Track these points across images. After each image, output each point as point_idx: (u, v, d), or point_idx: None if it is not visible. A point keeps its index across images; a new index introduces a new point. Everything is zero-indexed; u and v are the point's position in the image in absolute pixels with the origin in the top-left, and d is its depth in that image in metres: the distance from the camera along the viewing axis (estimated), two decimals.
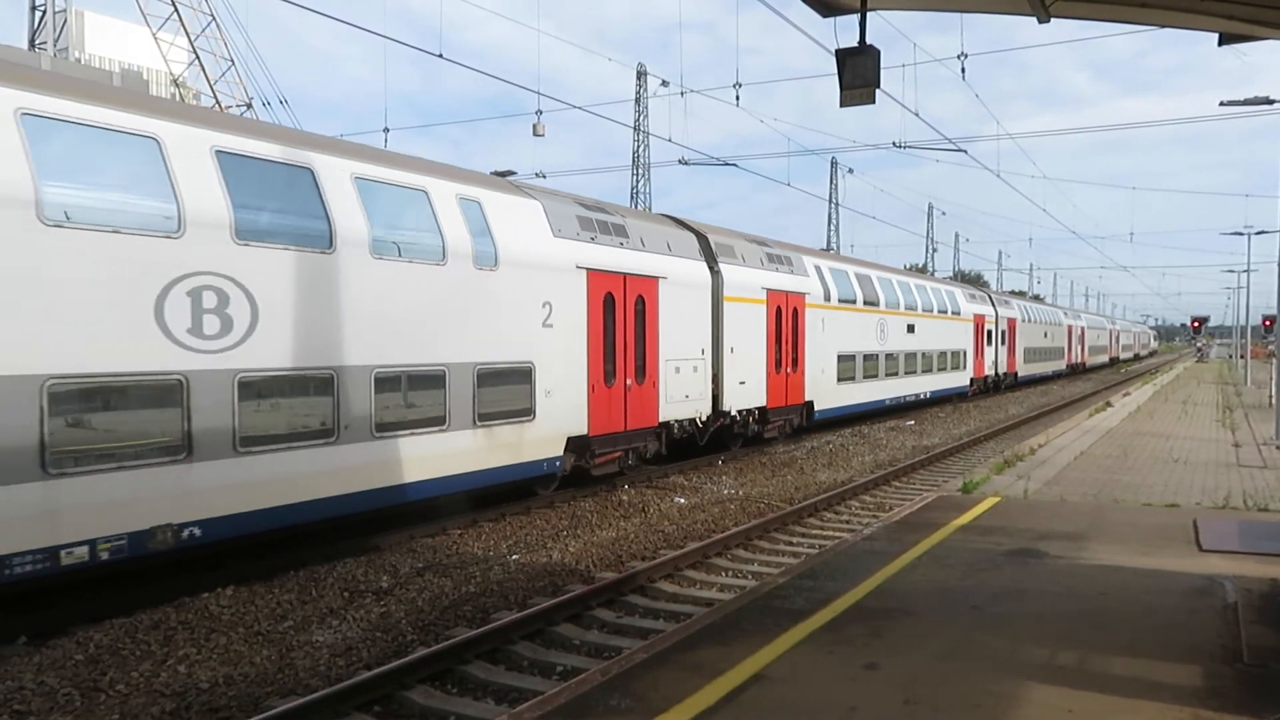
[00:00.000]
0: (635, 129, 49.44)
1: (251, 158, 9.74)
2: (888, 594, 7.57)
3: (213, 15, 28.31)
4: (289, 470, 9.83)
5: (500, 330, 12.64)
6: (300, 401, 10.03)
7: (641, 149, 49.97)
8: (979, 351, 36.53)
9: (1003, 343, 40.64)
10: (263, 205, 9.73)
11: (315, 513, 10.18)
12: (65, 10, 28.03)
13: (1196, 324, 69.84)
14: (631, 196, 49.76)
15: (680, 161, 30.74)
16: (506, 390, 12.79)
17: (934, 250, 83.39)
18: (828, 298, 22.96)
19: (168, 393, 8.75)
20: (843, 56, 7.43)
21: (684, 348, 16.89)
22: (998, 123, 29.79)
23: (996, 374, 39.95)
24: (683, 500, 14.86)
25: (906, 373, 28.42)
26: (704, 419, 17.79)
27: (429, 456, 11.54)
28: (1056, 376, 55.08)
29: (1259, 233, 41.87)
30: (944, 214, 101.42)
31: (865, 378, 25.36)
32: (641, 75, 49.09)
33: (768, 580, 8.20)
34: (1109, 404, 32.10)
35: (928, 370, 30.20)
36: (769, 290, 19.90)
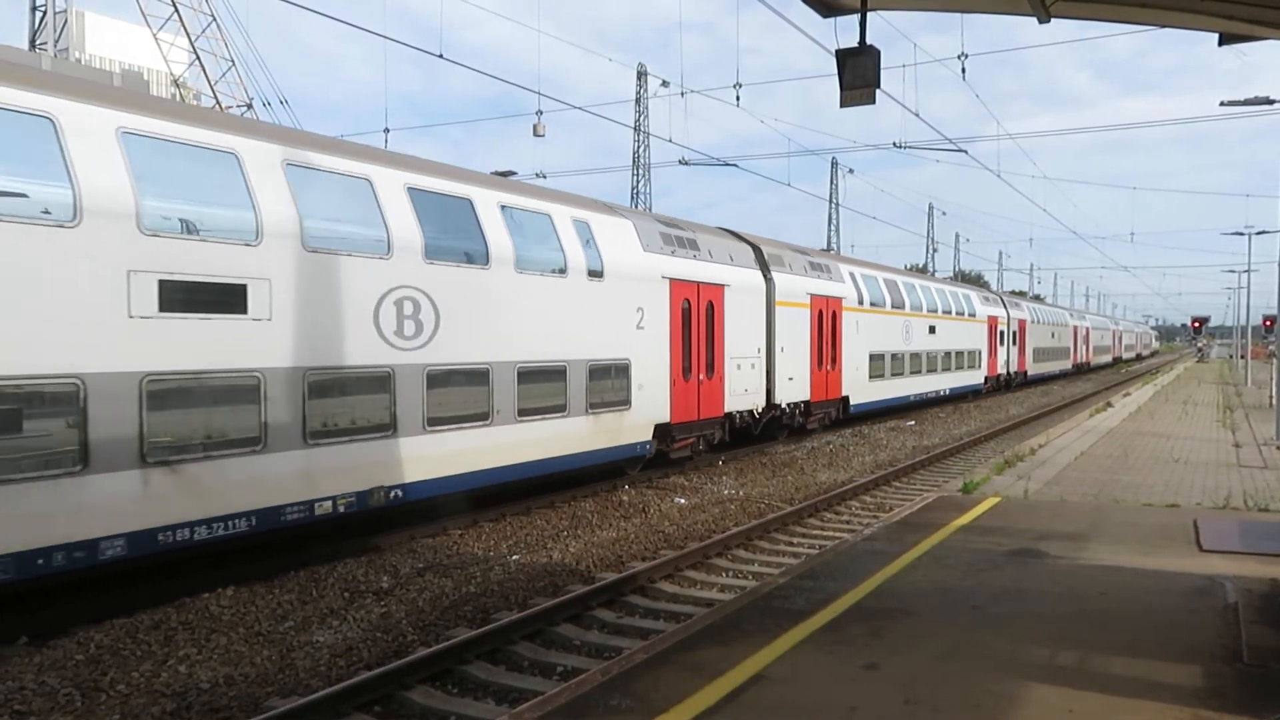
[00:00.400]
0: (635, 129, 49.45)
1: (432, 192, 11.97)
2: (888, 594, 7.57)
3: (213, 16, 28.32)
4: (458, 447, 12.04)
5: (605, 332, 14.81)
6: (466, 390, 12.20)
7: (642, 149, 49.98)
8: (992, 351, 38.52)
9: (1014, 343, 42.51)
10: (440, 231, 11.91)
11: (475, 482, 12.37)
12: (66, 10, 28.04)
13: (1197, 324, 69.82)
14: (632, 196, 49.77)
15: (680, 162, 30.77)
16: (609, 383, 14.92)
17: (934, 250, 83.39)
18: (860, 301, 25.05)
19: (381, 382, 10.96)
20: (843, 57, 7.43)
21: (744, 347, 18.98)
22: (998, 123, 29.79)
23: (1008, 372, 41.78)
24: (683, 500, 14.86)
25: (928, 371, 30.37)
26: (759, 411, 19.88)
27: (554, 437, 13.70)
28: (1063, 375, 56.80)
29: (1259, 233, 41.88)
30: (944, 214, 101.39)
31: (893, 375, 27.43)
32: (642, 75, 49.10)
33: (768, 580, 8.20)
34: (1109, 404, 32.09)
35: (947, 369, 32.17)
36: (812, 295, 22.12)
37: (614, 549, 11.63)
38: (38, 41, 27.49)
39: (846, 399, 24.18)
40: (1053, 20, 7.31)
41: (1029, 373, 46.02)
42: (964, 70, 19.14)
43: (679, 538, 12.32)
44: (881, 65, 7.40)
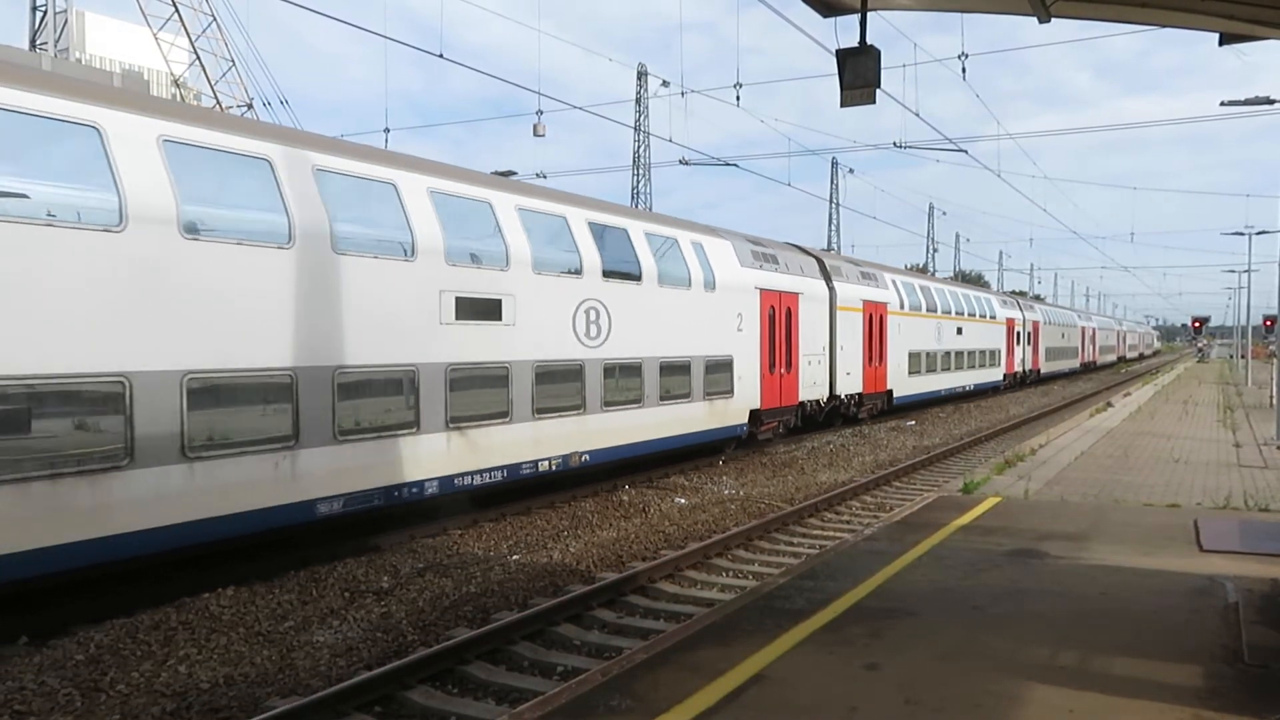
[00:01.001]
0: (636, 129, 49.44)
1: (605, 225, 15.44)
2: (888, 594, 7.56)
3: (213, 16, 28.30)
4: (622, 424, 15.35)
5: (716, 334, 18.07)
6: (627, 379, 15.60)
7: (642, 149, 49.97)
8: (1010, 350, 42.17)
9: (1029, 343, 46.21)
10: (610, 255, 15.35)
11: (631, 453, 15.72)
12: (66, 10, 28.03)
13: (1197, 324, 69.82)
14: (632, 196, 49.77)
15: (681, 162, 30.75)
16: (718, 376, 18.16)
17: (934, 250, 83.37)
18: (901, 306, 28.41)
19: (576, 372, 14.38)
20: (843, 57, 7.42)
21: (813, 346, 22.45)
22: (998, 123, 29.80)
23: (1023, 370, 45.52)
24: (683, 500, 14.86)
25: (956, 368, 34.00)
26: (824, 400, 23.40)
27: (683, 419, 17.00)
28: (1072, 373, 60.47)
29: (1259, 233, 41.86)
30: (944, 214, 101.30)
31: (927, 371, 30.96)
32: (642, 76, 49.09)
33: (768, 580, 8.19)
34: (1109, 404, 32.08)
35: (972, 366, 35.86)
36: (864, 301, 25.58)
37: (614, 549, 11.63)
38: (38, 41, 27.49)
39: (890, 392, 27.59)
40: (1053, 20, 7.30)
41: (1042, 371, 49.43)
42: (964, 70, 19.14)
43: (679, 538, 12.31)
44: (882, 65, 7.40)
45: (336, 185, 10.79)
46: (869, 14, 7.45)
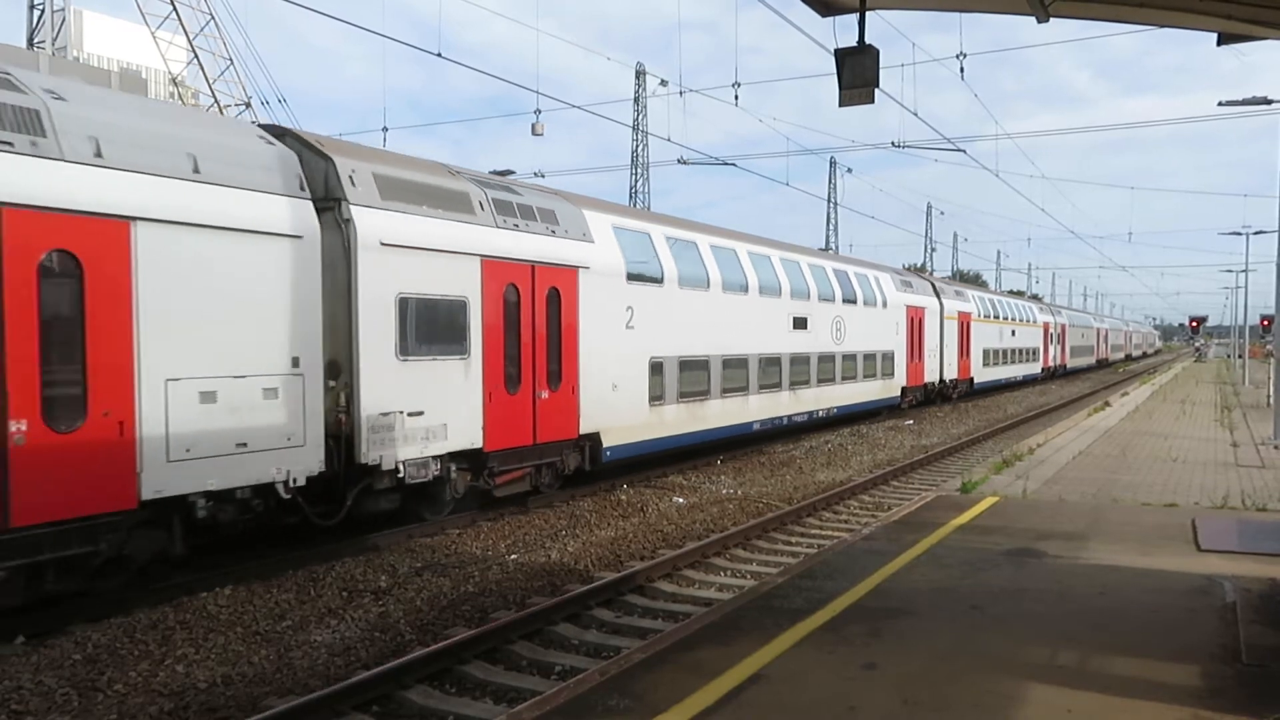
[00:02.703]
0: (634, 128, 49.43)
1: (849, 271, 25.54)
2: (887, 594, 7.56)
3: (211, 14, 28.27)
4: (845, 392, 24.58)
5: (885, 336, 27.34)
6: (850, 363, 24.79)
7: (640, 148, 49.96)
8: (1046, 349, 52.33)
9: (1058, 342, 56.54)
10: (846, 289, 24.68)
11: (846, 411, 24.79)
12: (64, 9, 27.98)
13: (1195, 324, 69.87)
14: (630, 196, 49.76)
15: (679, 161, 30.75)
16: (887, 364, 27.51)
17: (933, 250, 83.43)
18: (978, 315, 37.83)
19: (831, 358, 23.56)
20: (842, 56, 7.42)
21: (932, 344, 31.88)
22: (996, 123, 30.10)
23: (1054, 365, 55.77)
24: (681, 500, 14.86)
25: (1010, 362, 43.51)
26: (935, 384, 32.65)
27: (870, 390, 26.40)
28: (1089, 368, 70.47)
29: (1257, 233, 41.89)
30: (943, 214, 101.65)
31: (993, 364, 40.35)
32: (640, 75, 49.07)
33: (767, 580, 8.19)
34: (1107, 404, 32.11)
35: (1020, 361, 45.45)
36: (959, 311, 35.22)
37: (612, 548, 11.62)
38: (35, 40, 27.44)
39: (973, 379, 37.00)
40: (1052, 20, 7.30)
41: (1067, 365, 59.48)
42: (962, 70, 19.15)
43: (677, 537, 12.31)
44: (880, 65, 7.40)
45: (679, 248, 17.69)
46: (868, 13, 7.44)
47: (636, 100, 49.14)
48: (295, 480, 9.97)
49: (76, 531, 8.20)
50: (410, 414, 11.41)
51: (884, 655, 6.10)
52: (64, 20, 28.01)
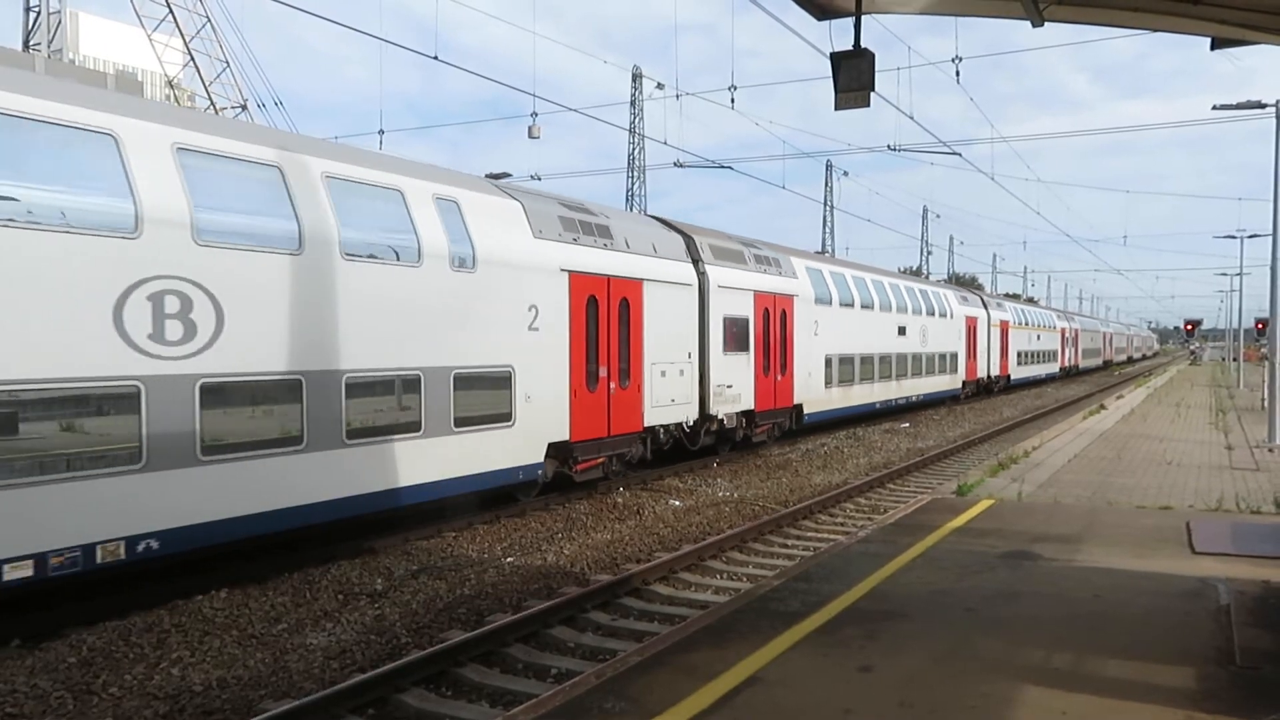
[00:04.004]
0: (630, 131, 49.46)
1: (926, 289, 33.73)
2: (882, 596, 7.57)
3: (208, 17, 28.25)
4: (922, 383, 30.97)
5: (951, 340, 33.49)
6: (935, 361, 32.02)
7: (637, 151, 49.99)
8: (1063, 350, 61.21)
9: (1072, 345, 65.25)
10: (930, 304, 32.30)
11: (927, 400, 31.98)
12: (60, 11, 27.95)
13: (1190, 327, 69.99)
14: (627, 199, 49.79)
15: (675, 164, 30.76)
16: (952, 361, 33.82)
17: (929, 253, 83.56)
18: (1015, 323, 45.54)
19: (920, 359, 30.98)
20: (838, 60, 7.45)
21: (982, 346, 37.80)
22: (992, 126, 30.13)
23: (1069, 365, 64.14)
24: (677, 503, 14.86)
25: (1037, 362, 51.19)
26: (985, 378, 39.03)
27: (940, 383, 32.65)
28: (1096, 368, 79.66)
29: (1252, 236, 42.01)
30: (939, 217, 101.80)
31: (1025, 363, 47.99)
32: (637, 78, 49.12)
33: (763, 583, 8.20)
34: (1103, 407, 32.17)
35: (1043, 362, 53.32)
36: (1001, 320, 42.64)
37: (609, 551, 11.62)
38: (31, 42, 27.40)
39: (1009, 375, 44.64)
40: (1047, 24, 7.33)
41: (1080, 365, 67.72)
42: (958, 73, 19.19)
43: (673, 540, 12.31)
44: (876, 68, 7.42)
45: (835, 278, 24.71)
46: (863, 17, 7.47)
47: (633, 103, 49.20)
48: (689, 422, 17.85)
49: (636, 436, 16.33)
50: (727, 386, 18.89)
51: (880, 658, 6.11)
52: (60, 22, 27.97)
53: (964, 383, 37.43)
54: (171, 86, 29.28)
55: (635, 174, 49.99)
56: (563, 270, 14.14)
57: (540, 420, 13.59)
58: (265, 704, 6.89)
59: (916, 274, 69.20)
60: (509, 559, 11.09)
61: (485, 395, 12.57)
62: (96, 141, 8.49)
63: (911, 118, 19.10)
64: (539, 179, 34.81)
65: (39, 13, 27.40)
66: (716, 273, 18.46)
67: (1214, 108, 20.53)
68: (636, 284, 16.04)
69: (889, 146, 24.84)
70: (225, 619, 8.68)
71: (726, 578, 10.77)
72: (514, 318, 13.08)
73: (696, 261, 18.07)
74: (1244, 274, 47.08)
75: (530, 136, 36.27)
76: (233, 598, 9.26)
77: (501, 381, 12.85)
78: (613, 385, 15.41)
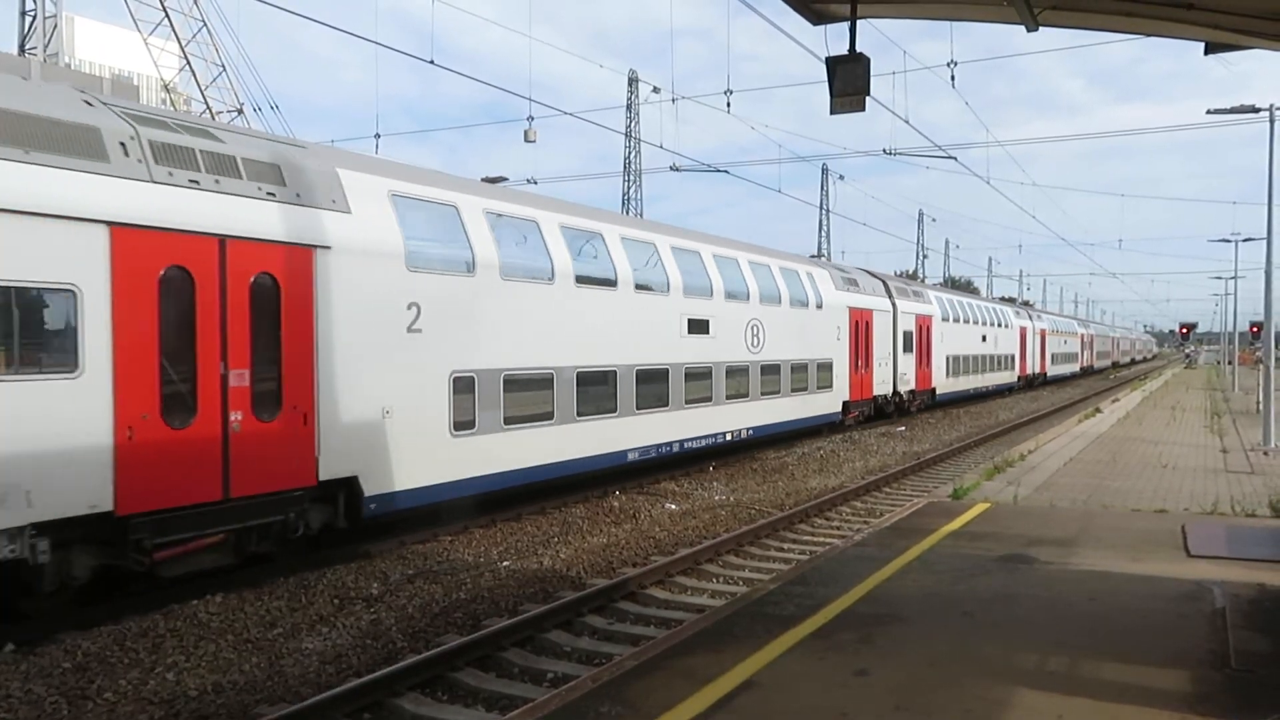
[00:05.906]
0: (627, 135, 49.52)
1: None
2: (879, 600, 7.58)
3: (204, 20, 28.25)
4: (974, 379, 39.36)
5: (1010, 345, 45.59)
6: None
7: (633, 155, 50.06)
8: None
9: (1089, 348, 75.74)
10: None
11: (979, 390, 40.17)
12: (55, 15, 27.92)
13: (1185, 330, 70.13)
14: (623, 202, 49.82)
15: (672, 168, 30.80)
16: (1007, 360, 44.99)
17: (924, 257, 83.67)
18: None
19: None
20: (833, 64, 7.47)
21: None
22: (988, 130, 30.26)
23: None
24: (674, 506, 14.86)
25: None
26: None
27: (1000, 378, 43.45)
28: (1104, 369, 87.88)
29: (1246, 240, 42.11)
30: (934, 220, 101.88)
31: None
32: (633, 82, 49.19)
33: (759, 586, 8.20)
34: (1098, 410, 32.23)
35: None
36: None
37: (605, 555, 11.62)
38: (27, 46, 27.37)
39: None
40: (1042, 29, 7.36)
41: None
42: (953, 77, 19.23)
43: (670, 544, 12.31)
44: (872, 72, 7.45)
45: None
46: (858, 22, 7.49)
47: (629, 107, 49.26)
48: (889, 394, 29.00)
49: (869, 401, 28.15)
50: (904, 374, 29.67)
51: (876, 661, 6.12)
52: (56, 26, 27.93)
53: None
54: (168, 90, 29.28)
55: (631, 178, 50.06)
56: (846, 307, 25.77)
57: (840, 388, 24.97)
58: (260, 709, 6.87)
59: (912, 277, 69.40)
60: (505, 563, 11.08)
61: (802, 376, 22.50)
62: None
63: (907, 122, 19.16)
64: (535, 183, 34.82)
65: (34, 16, 27.36)
66: (901, 304, 30.56)
67: (1209, 112, 20.60)
68: (869, 313, 27.35)
69: (885, 150, 24.90)
70: (220, 624, 8.66)
71: (723, 582, 10.77)
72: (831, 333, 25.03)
73: (889, 297, 29.75)
74: (1239, 278, 47.28)
75: (526, 140, 36.23)
76: (228, 602, 9.24)
77: (825, 367, 23.87)
78: (863, 371, 26.76)
